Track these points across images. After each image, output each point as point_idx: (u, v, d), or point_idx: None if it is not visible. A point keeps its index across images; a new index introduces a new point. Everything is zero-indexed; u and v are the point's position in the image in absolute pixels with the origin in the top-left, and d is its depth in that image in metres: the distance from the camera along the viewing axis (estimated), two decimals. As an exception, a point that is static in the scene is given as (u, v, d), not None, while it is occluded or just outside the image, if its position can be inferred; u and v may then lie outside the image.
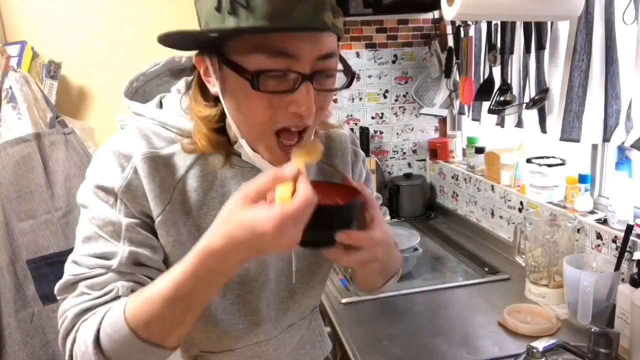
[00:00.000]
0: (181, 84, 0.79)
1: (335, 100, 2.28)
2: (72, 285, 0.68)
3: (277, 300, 0.84)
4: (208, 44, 0.66)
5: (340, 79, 0.69)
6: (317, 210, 0.60)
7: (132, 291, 0.67)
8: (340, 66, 0.69)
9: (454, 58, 2.02)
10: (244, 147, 0.70)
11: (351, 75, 0.69)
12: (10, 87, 1.70)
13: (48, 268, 1.68)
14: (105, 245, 0.68)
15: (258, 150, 0.70)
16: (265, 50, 0.61)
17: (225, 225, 0.58)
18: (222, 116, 0.71)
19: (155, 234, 0.72)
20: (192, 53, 0.72)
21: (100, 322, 0.63)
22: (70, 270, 0.68)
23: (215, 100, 0.70)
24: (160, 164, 0.71)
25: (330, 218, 0.64)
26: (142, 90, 0.83)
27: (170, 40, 0.64)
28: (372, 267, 0.78)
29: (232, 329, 0.81)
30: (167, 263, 0.73)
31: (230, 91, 0.66)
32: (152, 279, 0.68)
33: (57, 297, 0.69)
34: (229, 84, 0.66)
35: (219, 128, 0.72)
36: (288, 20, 0.59)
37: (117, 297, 0.66)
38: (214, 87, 0.68)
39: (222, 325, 0.80)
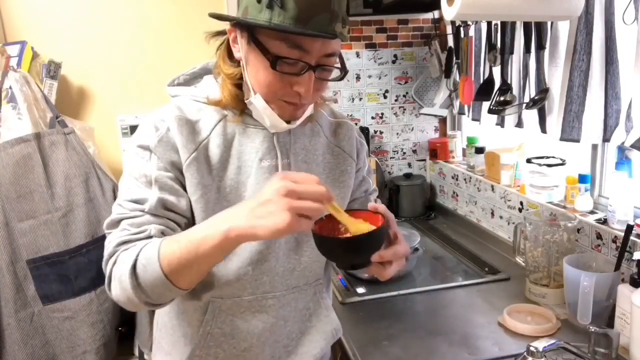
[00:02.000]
0: (210, 77, 0.97)
1: (335, 101, 2.29)
2: (117, 222, 0.84)
3: (285, 257, 0.96)
4: (244, 24, 0.83)
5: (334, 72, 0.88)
6: (353, 241, 0.75)
7: (162, 232, 0.83)
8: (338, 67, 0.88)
9: (454, 58, 2.02)
10: (257, 100, 0.86)
11: (344, 72, 0.87)
12: (10, 87, 1.70)
13: (48, 268, 1.68)
14: (140, 192, 0.85)
15: (270, 108, 0.87)
16: (286, 41, 0.79)
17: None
18: (241, 76, 0.89)
19: (182, 185, 0.88)
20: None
21: (138, 254, 0.77)
22: (116, 210, 0.86)
23: (237, 62, 0.89)
24: (188, 124, 0.89)
25: (364, 245, 0.77)
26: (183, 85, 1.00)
27: (219, 16, 0.85)
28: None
29: (241, 272, 0.92)
30: (190, 207, 0.89)
31: (253, 62, 0.84)
32: (177, 223, 0.87)
33: (105, 231, 0.86)
34: (252, 56, 0.84)
35: (238, 85, 0.90)
36: (307, 26, 0.77)
37: (149, 236, 0.81)
38: (239, 53, 0.87)
39: (231, 264, 0.91)
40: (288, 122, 0.89)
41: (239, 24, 0.84)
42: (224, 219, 0.73)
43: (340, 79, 0.88)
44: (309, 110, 0.92)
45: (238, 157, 0.91)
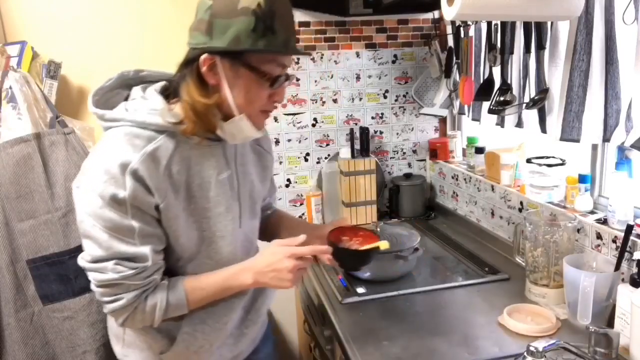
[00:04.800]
0: (138, 92, 1.03)
1: (335, 101, 2.29)
2: (120, 280, 0.93)
3: (242, 247, 1.15)
4: (228, 52, 0.92)
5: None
6: (367, 252, 1.14)
7: (162, 273, 1.00)
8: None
9: (454, 58, 2.02)
10: (242, 120, 0.98)
11: (290, 79, 1.03)
12: (10, 87, 1.70)
13: (48, 268, 1.68)
14: (130, 248, 0.93)
15: (246, 121, 0.99)
16: (277, 63, 0.96)
17: (262, 255, 1.06)
18: (215, 104, 0.96)
19: (157, 222, 0.97)
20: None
21: (168, 303, 0.98)
22: (116, 268, 0.93)
23: (209, 89, 0.95)
24: (152, 160, 0.93)
25: (371, 256, 1.17)
26: (101, 101, 1.03)
27: (209, 50, 0.93)
28: None
29: (203, 268, 1.08)
30: (167, 234, 1.00)
31: (242, 85, 0.95)
32: (163, 259, 1.01)
33: (98, 284, 0.95)
34: (241, 80, 0.94)
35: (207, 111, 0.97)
36: (290, 48, 0.96)
37: (156, 285, 0.99)
38: (216, 80, 0.94)
39: (194, 262, 1.08)
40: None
41: (218, 54, 0.92)
42: (245, 272, 1.03)
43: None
44: None
45: (199, 176, 1.02)
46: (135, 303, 0.96)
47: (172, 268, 1.06)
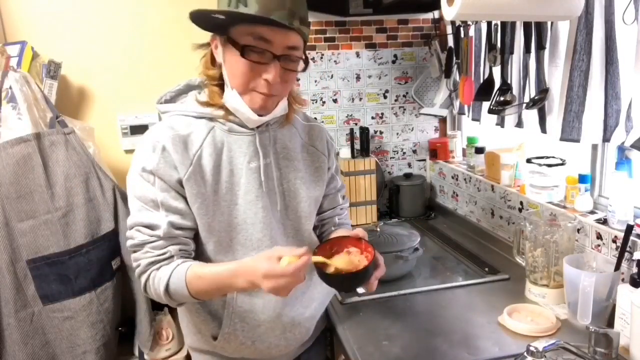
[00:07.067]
0: (194, 92, 1.12)
1: (335, 101, 2.29)
2: (140, 245, 1.02)
3: (284, 243, 1.15)
4: (220, 28, 0.99)
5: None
6: (356, 274, 0.96)
7: (181, 250, 1.03)
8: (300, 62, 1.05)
9: (454, 58, 2.02)
10: (233, 94, 1.02)
11: (306, 64, 1.03)
12: (10, 87, 1.69)
13: (48, 268, 1.68)
14: (150, 216, 1.01)
15: (243, 100, 1.03)
16: (252, 35, 0.96)
17: (252, 262, 0.95)
18: (221, 76, 1.06)
19: (185, 200, 1.03)
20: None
21: (168, 282, 1.00)
22: (137, 235, 1.03)
23: (219, 67, 1.06)
24: (181, 141, 1.03)
25: (365, 275, 0.98)
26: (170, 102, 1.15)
27: (197, 17, 0.95)
28: None
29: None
30: (193, 216, 1.05)
31: (228, 59, 1.01)
32: (188, 237, 1.05)
33: (130, 250, 1.05)
34: (228, 54, 1.00)
35: (220, 86, 1.07)
36: (265, 20, 0.92)
37: (171, 256, 1.02)
38: (219, 58, 1.04)
39: (239, 257, 1.09)
40: (261, 115, 1.04)
41: (217, 33, 1.01)
42: (238, 276, 0.95)
43: (304, 70, 1.03)
44: (282, 108, 1.08)
45: (229, 162, 1.06)
46: (149, 271, 1.02)
47: (210, 258, 1.09)
